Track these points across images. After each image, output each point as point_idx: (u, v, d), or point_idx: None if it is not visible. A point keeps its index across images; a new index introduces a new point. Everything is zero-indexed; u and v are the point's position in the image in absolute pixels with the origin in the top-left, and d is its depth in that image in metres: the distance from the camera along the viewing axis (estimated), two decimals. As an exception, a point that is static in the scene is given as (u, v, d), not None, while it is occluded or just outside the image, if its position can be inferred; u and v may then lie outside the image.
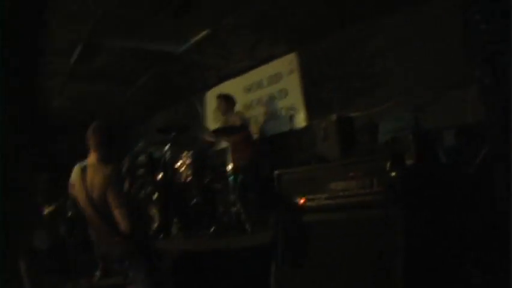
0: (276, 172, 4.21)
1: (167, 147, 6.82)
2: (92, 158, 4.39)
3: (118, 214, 4.02)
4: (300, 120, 8.01)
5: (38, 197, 9.24)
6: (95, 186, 4.18)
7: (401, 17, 6.58)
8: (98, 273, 6.44)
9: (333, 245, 3.58)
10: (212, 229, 5.95)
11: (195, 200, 6.67)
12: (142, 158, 6.93)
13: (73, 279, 5.96)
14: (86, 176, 4.32)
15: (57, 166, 11.17)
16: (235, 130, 7.08)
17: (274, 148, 8.29)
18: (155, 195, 6.52)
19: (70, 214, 8.03)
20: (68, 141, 11.05)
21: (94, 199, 4.16)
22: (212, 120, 9.43)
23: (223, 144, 7.38)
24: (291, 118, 7.71)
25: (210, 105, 9.69)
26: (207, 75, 9.33)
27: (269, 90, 8.66)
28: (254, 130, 8.14)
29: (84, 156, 4.60)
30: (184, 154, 6.82)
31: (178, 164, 6.80)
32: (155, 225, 6.39)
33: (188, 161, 6.74)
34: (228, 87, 9.27)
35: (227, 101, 7.83)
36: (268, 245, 4.20)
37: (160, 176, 6.83)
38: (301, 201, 3.94)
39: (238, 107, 8.32)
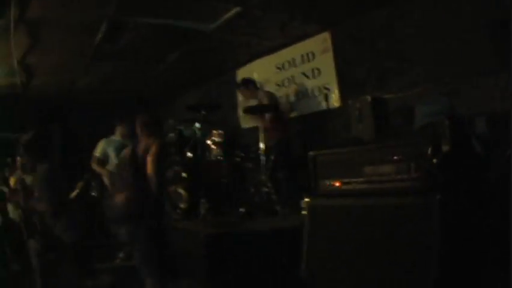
0: (310, 153, 4.08)
1: (197, 125, 6.79)
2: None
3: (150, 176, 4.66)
4: (334, 100, 7.92)
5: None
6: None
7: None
8: (121, 255, 6.50)
9: (367, 230, 3.50)
10: (242, 210, 5.92)
11: (224, 179, 6.61)
12: (171, 136, 6.90)
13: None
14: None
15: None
16: (265, 109, 7.07)
17: (306, 128, 8.20)
18: (184, 174, 6.43)
19: (94, 194, 8.16)
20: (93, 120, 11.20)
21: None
22: (242, 100, 9.34)
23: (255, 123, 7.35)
24: (326, 97, 7.73)
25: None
26: (238, 53, 9.22)
27: (301, 69, 8.57)
28: (285, 109, 8.06)
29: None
30: (215, 132, 6.77)
31: (209, 142, 6.75)
32: (183, 205, 6.33)
33: (219, 140, 6.70)
34: (260, 65, 9.25)
35: (247, 86, 7.90)
36: (299, 227, 4.07)
37: (189, 154, 6.83)
38: (337, 184, 3.86)
39: (270, 86, 8.27)
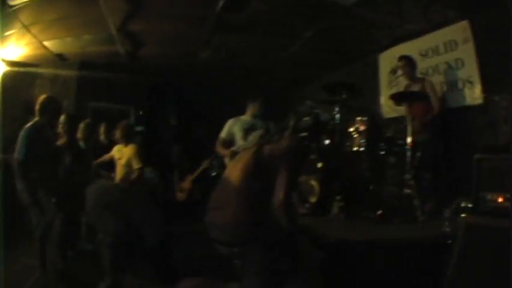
0: (476, 156, 3.60)
1: (336, 109, 6.25)
2: None
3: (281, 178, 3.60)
4: (476, 95, 7.18)
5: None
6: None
7: None
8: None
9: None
10: (379, 212, 5.39)
11: (364, 174, 6.08)
12: (306, 120, 6.42)
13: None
14: None
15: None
16: (417, 97, 6.48)
17: (447, 125, 7.51)
18: (320, 164, 5.89)
19: (214, 174, 7.91)
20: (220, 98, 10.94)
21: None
22: (386, 86, 8.87)
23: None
24: (469, 92, 7.15)
25: (384, 68, 9.09)
26: (379, 35, 8.55)
27: (445, 58, 7.82)
28: (433, 101, 7.37)
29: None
30: (359, 119, 6.19)
31: (351, 129, 6.21)
32: (313, 199, 5.78)
33: (362, 128, 6.12)
34: (403, 50, 8.50)
35: (410, 63, 7.24)
36: (442, 239, 3.72)
37: (326, 142, 6.27)
38: (499, 199, 3.22)
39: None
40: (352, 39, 8.64)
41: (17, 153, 5.49)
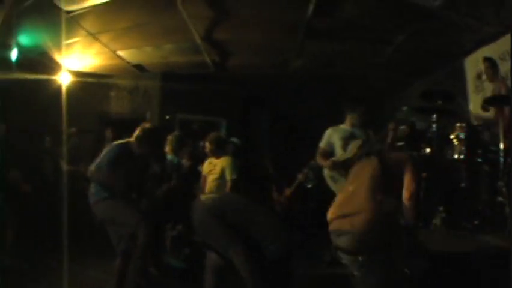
0: None
1: (434, 117, 6.07)
2: None
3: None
4: None
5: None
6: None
7: None
8: (327, 258, 6.04)
9: None
10: (476, 222, 5.24)
11: (463, 183, 5.84)
12: (403, 128, 6.32)
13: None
14: None
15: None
16: (504, 101, 6.20)
17: None
18: (423, 174, 5.71)
19: (309, 186, 7.82)
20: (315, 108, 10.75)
21: None
22: (473, 91, 8.53)
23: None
24: None
25: (470, 73, 8.72)
26: (463, 38, 8.32)
27: None
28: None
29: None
30: (459, 126, 5.99)
31: (452, 137, 5.99)
32: None
33: (461, 135, 5.91)
34: (485, 53, 8.17)
35: (493, 66, 7.13)
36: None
37: (427, 150, 6.14)
38: None
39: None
40: (440, 43, 8.38)
41: (98, 167, 5.28)
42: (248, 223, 4.57)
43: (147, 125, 5.70)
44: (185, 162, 7.75)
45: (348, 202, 3.83)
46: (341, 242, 3.67)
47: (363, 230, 3.55)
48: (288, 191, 8.12)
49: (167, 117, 10.63)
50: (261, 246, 4.47)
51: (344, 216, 3.71)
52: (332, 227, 3.79)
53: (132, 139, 5.50)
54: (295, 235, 5.87)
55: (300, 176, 6.82)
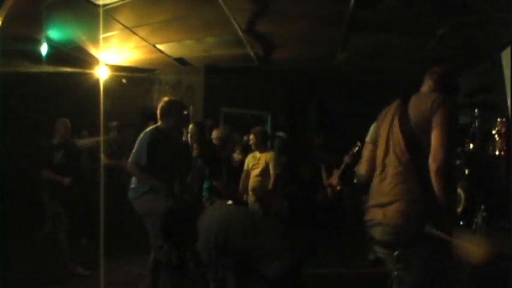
0: None
1: (476, 111, 6.03)
2: None
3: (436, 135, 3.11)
4: None
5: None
6: None
7: None
8: (371, 256, 5.98)
9: None
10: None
11: (503, 180, 5.63)
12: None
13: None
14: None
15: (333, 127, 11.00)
16: None
17: None
18: (467, 170, 5.59)
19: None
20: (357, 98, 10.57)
21: None
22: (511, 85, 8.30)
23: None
24: None
25: (507, 66, 8.26)
26: (500, 32, 8.10)
27: None
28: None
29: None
30: (500, 121, 5.84)
31: (494, 132, 5.86)
32: (459, 208, 5.45)
33: (503, 130, 5.77)
34: None
35: None
36: None
37: (471, 146, 6.04)
38: None
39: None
40: (479, 36, 8.16)
41: (136, 158, 5.17)
42: (251, 246, 4.36)
43: (165, 98, 5.72)
44: (236, 156, 7.73)
45: (382, 184, 3.41)
46: (375, 233, 3.45)
47: (396, 222, 3.19)
48: (336, 174, 8.05)
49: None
50: (264, 264, 4.28)
51: (380, 205, 3.45)
52: (367, 216, 3.55)
53: (158, 122, 5.47)
54: (303, 245, 5.56)
55: (346, 158, 6.70)
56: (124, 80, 10.19)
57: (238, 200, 6.70)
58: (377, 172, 3.45)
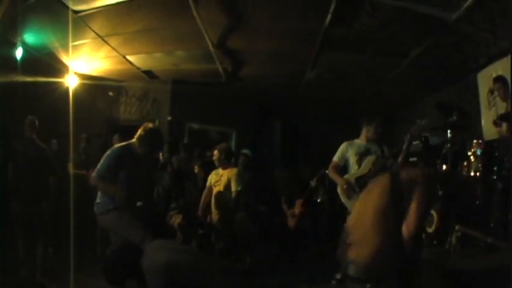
0: None
1: (449, 132, 6.06)
2: None
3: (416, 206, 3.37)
4: None
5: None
6: None
7: None
8: (338, 276, 5.97)
9: None
10: (489, 241, 5.05)
11: (478, 201, 5.82)
12: (416, 144, 6.25)
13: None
14: None
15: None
16: None
17: None
18: (440, 192, 5.70)
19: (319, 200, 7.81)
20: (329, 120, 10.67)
21: None
22: (486, 106, 8.39)
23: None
24: None
25: (483, 87, 8.62)
26: (478, 52, 8.21)
27: None
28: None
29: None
30: (476, 142, 5.99)
31: (469, 153, 5.98)
32: (431, 229, 5.62)
33: (478, 152, 5.90)
34: (499, 68, 8.02)
35: (505, 84, 6.80)
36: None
37: (443, 167, 6.12)
38: None
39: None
40: (455, 57, 8.31)
41: (99, 172, 5.20)
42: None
43: (150, 125, 5.61)
44: (198, 172, 7.73)
45: (356, 227, 3.66)
46: (348, 269, 3.54)
47: (368, 261, 3.39)
48: (299, 202, 8.06)
49: (169, 118, 10.55)
50: None
51: (350, 244, 3.58)
52: (339, 252, 3.67)
53: (134, 140, 5.43)
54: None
55: (311, 183, 6.77)
56: (111, 93, 10.18)
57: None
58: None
